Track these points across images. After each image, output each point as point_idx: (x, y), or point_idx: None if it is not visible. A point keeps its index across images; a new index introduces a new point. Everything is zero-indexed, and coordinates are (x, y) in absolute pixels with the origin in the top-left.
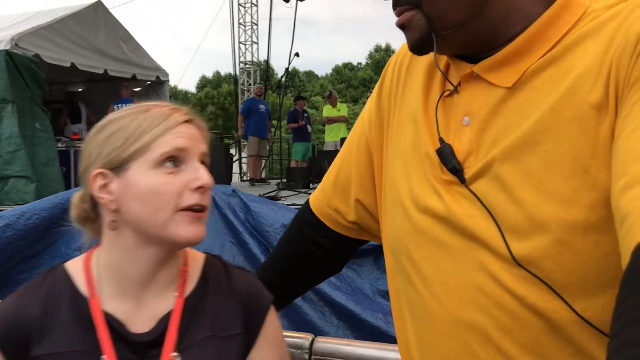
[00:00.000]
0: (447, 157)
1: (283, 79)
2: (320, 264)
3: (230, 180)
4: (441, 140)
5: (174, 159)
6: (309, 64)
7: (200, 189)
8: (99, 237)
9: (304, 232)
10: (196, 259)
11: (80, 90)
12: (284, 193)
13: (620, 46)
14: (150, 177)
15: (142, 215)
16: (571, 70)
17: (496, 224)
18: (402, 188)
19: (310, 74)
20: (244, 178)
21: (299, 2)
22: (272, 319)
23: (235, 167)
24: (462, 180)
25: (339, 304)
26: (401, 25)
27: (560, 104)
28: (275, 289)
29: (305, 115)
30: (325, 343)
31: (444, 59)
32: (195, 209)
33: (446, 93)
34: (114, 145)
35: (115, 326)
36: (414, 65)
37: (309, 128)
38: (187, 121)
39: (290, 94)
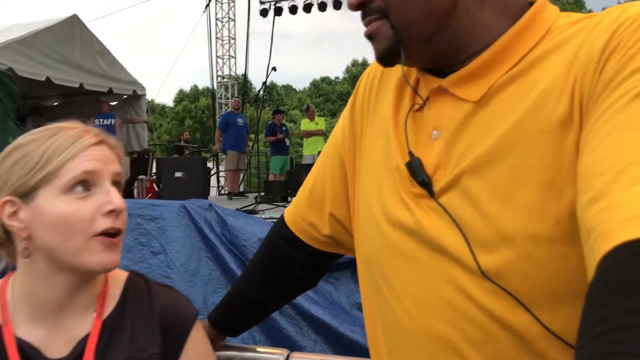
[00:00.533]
0: (416, 171)
1: (261, 93)
2: (295, 278)
3: (208, 194)
4: (410, 153)
5: (84, 183)
6: (287, 78)
7: (113, 212)
8: (15, 262)
9: (278, 246)
10: (117, 279)
11: (55, 104)
12: (261, 207)
13: (584, 62)
14: (59, 204)
15: (54, 243)
16: (536, 85)
17: (464, 238)
18: (374, 202)
19: (288, 88)
20: (222, 192)
21: (276, 17)
22: (196, 336)
23: (213, 180)
24: (431, 194)
25: (316, 317)
26: (369, 36)
27: (526, 118)
28: (251, 304)
29: (284, 128)
30: (300, 359)
31: (413, 74)
32: (110, 234)
33: (415, 107)
34: (20, 173)
35: (29, 353)
36: (386, 80)
37: (287, 141)
38: (96, 143)
39: (268, 108)
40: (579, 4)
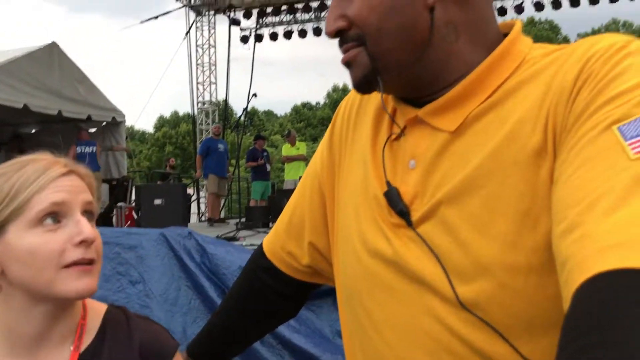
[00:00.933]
0: (394, 200)
1: (242, 118)
2: (275, 308)
3: (188, 221)
4: (388, 183)
5: (53, 215)
6: (268, 104)
7: (83, 243)
8: None
9: (257, 276)
10: (96, 312)
11: (33, 131)
12: (242, 233)
13: (557, 92)
14: (29, 238)
15: (27, 276)
16: (511, 116)
17: (442, 268)
18: (353, 231)
19: (269, 113)
20: (203, 218)
21: (257, 44)
22: None
23: (194, 207)
24: (409, 223)
25: (298, 347)
26: (346, 63)
27: (501, 149)
28: (230, 335)
29: (265, 154)
30: None
31: (391, 103)
32: (83, 262)
33: (393, 136)
34: None
35: None
36: (364, 109)
37: (268, 167)
38: (65, 173)
39: (249, 134)
40: (554, 30)
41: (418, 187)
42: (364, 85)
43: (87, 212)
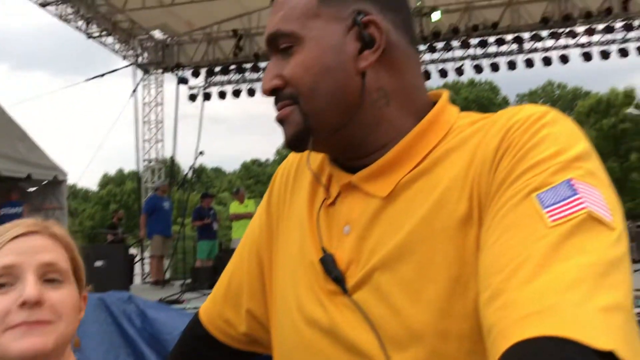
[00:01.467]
0: (329, 267)
1: (189, 176)
2: None
3: (131, 283)
4: (324, 249)
5: (4, 277)
6: (217, 161)
7: (26, 304)
8: None
9: (193, 346)
10: None
11: None
12: (187, 295)
13: (480, 161)
14: None
15: None
16: (439, 183)
17: (377, 336)
18: (291, 298)
19: (218, 171)
20: (147, 279)
21: (205, 102)
22: None
23: (138, 267)
24: (345, 290)
25: None
26: (280, 120)
27: (431, 216)
28: None
29: (212, 212)
30: None
31: (326, 168)
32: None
33: (327, 202)
34: None
35: None
36: (301, 174)
37: (215, 225)
38: (25, 234)
39: (196, 191)
40: (494, 91)
41: (353, 253)
42: (295, 143)
43: (48, 272)
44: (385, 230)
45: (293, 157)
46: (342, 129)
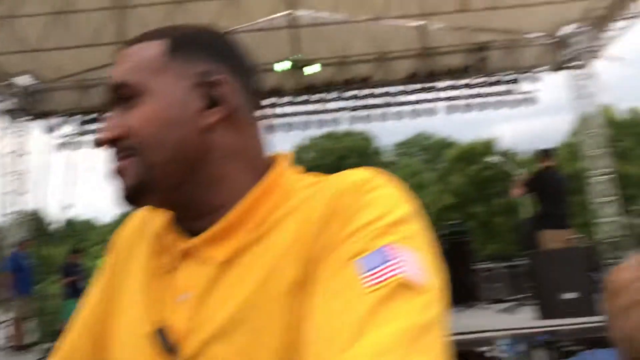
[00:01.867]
0: (163, 339)
1: (56, 230)
2: None
3: None
4: (158, 320)
5: None
6: (91, 211)
7: None
8: None
9: None
10: None
11: None
12: None
13: (309, 226)
14: None
15: None
16: (274, 249)
17: None
18: None
19: (89, 223)
20: (7, 344)
21: (78, 151)
22: None
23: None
24: None
25: None
26: (118, 171)
27: (266, 282)
28: None
29: (79, 269)
30: None
31: (167, 235)
32: None
33: (164, 270)
34: None
35: None
36: (139, 241)
37: (82, 283)
38: None
39: (65, 246)
40: (367, 141)
41: (189, 323)
42: (134, 196)
43: None
44: (222, 297)
45: (133, 221)
46: (182, 185)
